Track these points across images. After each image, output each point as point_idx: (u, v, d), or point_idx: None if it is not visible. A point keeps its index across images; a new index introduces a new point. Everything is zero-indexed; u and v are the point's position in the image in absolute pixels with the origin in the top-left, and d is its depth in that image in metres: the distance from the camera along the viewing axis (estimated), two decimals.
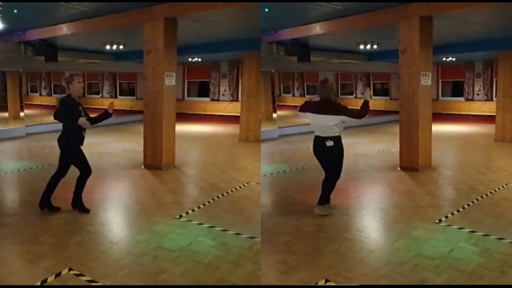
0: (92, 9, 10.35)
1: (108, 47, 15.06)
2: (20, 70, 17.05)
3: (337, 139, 6.75)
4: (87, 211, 6.90)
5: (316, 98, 6.99)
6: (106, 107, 7.07)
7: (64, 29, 11.99)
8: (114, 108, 7.13)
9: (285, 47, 13.92)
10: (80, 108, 6.72)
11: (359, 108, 6.82)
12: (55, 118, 6.73)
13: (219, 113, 20.36)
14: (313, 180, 9.23)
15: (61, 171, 6.87)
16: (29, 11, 10.59)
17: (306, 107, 6.97)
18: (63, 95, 6.87)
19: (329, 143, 6.69)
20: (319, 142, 6.79)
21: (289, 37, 13.50)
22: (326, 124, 6.67)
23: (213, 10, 9.54)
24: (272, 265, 5.18)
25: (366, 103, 6.79)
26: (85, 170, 6.91)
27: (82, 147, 6.85)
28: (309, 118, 6.90)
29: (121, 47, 15.06)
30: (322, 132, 6.75)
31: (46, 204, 6.91)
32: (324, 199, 6.90)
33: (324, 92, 6.79)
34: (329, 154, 6.80)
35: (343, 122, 6.75)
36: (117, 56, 17.87)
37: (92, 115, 7.02)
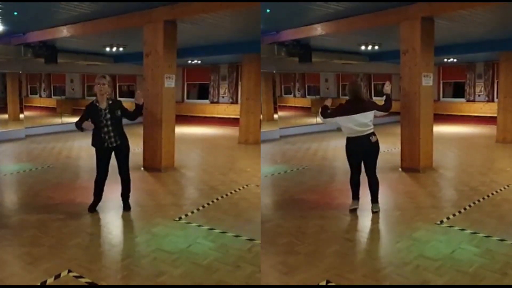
0: (92, 11, 10.33)
1: (108, 49, 15.04)
2: (20, 72, 17.02)
3: (375, 134, 6.96)
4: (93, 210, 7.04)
5: (329, 101, 7.13)
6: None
7: (64, 31, 11.98)
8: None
9: (287, 48, 13.90)
10: (102, 111, 6.80)
11: (383, 102, 7.15)
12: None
13: (218, 115, 20.32)
14: (314, 181, 9.25)
15: (98, 172, 7.06)
16: (29, 13, 10.58)
17: (334, 112, 7.03)
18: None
19: (374, 139, 6.86)
20: (359, 142, 6.86)
21: (291, 38, 13.48)
22: (365, 121, 6.80)
23: (213, 13, 9.52)
24: (273, 266, 5.16)
25: (388, 97, 7.13)
26: (97, 174, 7.09)
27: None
28: (342, 121, 6.94)
29: (120, 49, 15.03)
30: (358, 132, 6.83)
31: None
32: (377, 197, 7.05)
33: (356, 91, 7.00)
34: (373, 151, 6.94)
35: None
36: (116, 58, 17.86)
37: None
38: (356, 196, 7.15)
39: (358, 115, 6.78)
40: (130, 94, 22.56)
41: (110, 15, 10.56)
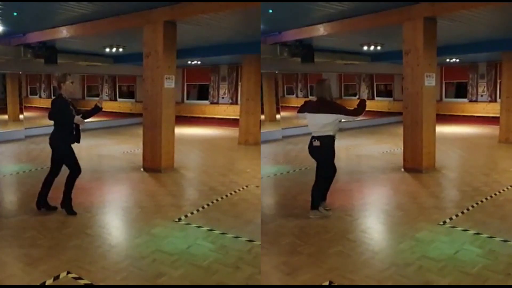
0: (91, 12, 10.30)
1: (107, 50, 15.03)
2: (20, 72, 17.01)
3: (326, 140, 6.67)
4: (73, 213, 6.85)
5: (314, 98, 7.00)
6: (96, 102, 7.10)
7: (63, 32, 11.95)
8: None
9: (289, 48, 13.89)
10: (71, 107, 6.76)
11: (355, 106, 6.86)
12: (49, 119, 6.82)
13: (218, 116, 20.32)
14: None
15: (55, 171, 6.93)
16: (29, 14, 10.54)
17: (304, 108, 6.96)
18: (55, 96, 6.93)
19: (316, 143, 6.67)
20: (310, 141, 6.79)
21: (293, 38, 13.47)
22: (321, 122, 6.65)
23: (212, 13, 9.48)
24: (276, 266, 5.13)
25: (363, 101, 6.83)
26: (75, 169, 6.92)
27: (79, 146, 6.88)
28: (307, 118, 6.88)
29: (120, 50, 15.01)
30: (315, 132, 6.74)
31: (43, 204, 6.94)
32: (314, 204, 6.79)
33: (320, 91, 6.81)
34: (316, 155, 6.77)
35: (340, 121, 6.74)
36: (116, 59, 17.85)
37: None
38: (323, 199, 6.97)
39: (319, 115, 6.64)
40: (130, 94, 22.56)
41: (110, 16, 10.52)
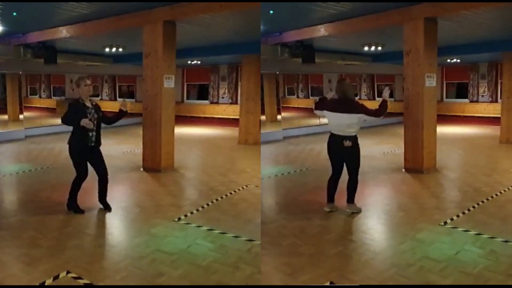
0: (91, 12, 10.29)
1: (107, 49, 15.01)
2: (20, 72, 17.00)
3: (355, 139, 6.77)
4: (81, 211, 6.90)
5: (330, 95, 7.00)
6: (120, 107, 7.28)
7: (63, 32, 11.94)
8: (113, 110, 7.16)
9: (290, 49, 13.91)
10: (89, 110, 6.77)
11: (377, 107, 6.90)
12: (62, 122, 6.91)
13: (218, 115, 20.33)
14: (318, 181, 9.16)
15: (80, 172, 6.94)
16: (29, 14, 10.53)
17: (324, 105, 6.95)
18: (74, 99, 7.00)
19: (347, 143, 6.71)
20: (336, 141, 6.78)
21: (294, 38, 13.48)
22: (346, 122, 6.67)
23: (212, 13, 9.47)
24: (277, 267, 5.12)
25: (384, 102, 6.87)
26: (80, 174, 6.92)
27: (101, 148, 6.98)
28: (327, 116, 6.89)
29: (120, 49, 15.01)
30: (340, 131, 6.75)
31: (73, 206, 6.96)
32: (353, 198, 6.95)
33: (343, 90, 6.83)
34: (348, 154, 6.82)
35: (364, 120, 6.78)
36: (116, 58, 17.84)
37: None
38: (330, 199, 7.04)
39: (343, 114, 6.66)
40: (130, 94, 22.53)
41: (109, 16, 10.51)
